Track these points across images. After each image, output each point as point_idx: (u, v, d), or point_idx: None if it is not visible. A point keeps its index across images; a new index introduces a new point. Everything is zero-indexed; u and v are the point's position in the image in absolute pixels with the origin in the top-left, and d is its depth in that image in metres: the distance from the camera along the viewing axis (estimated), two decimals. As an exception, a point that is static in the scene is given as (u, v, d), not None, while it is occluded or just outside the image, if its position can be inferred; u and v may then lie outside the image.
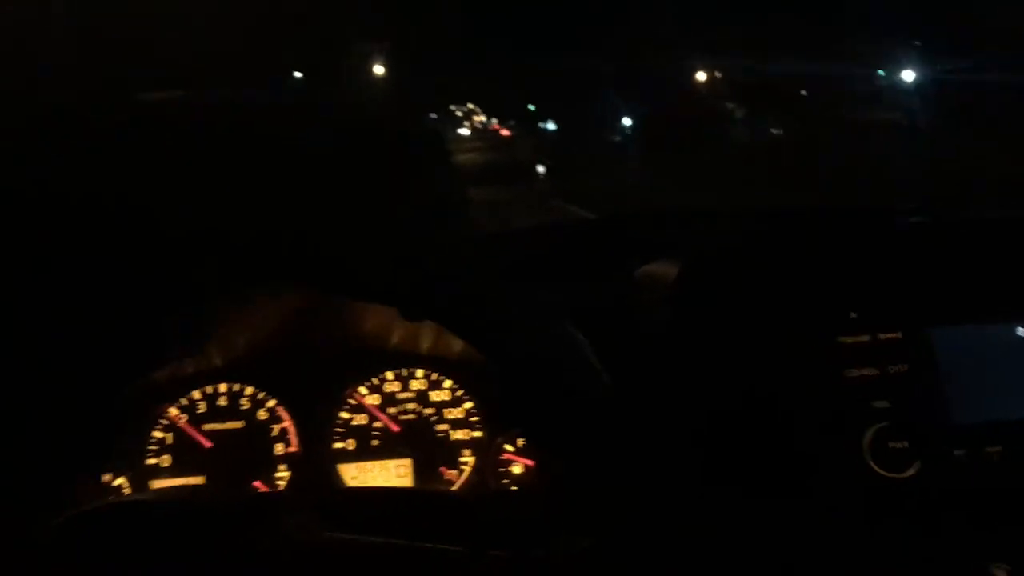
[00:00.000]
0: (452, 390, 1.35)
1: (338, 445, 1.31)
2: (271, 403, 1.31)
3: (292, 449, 1.30)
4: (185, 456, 1.28)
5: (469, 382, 1.34)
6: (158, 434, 1.28)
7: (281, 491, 1.28)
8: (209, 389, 1.30)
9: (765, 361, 0.90)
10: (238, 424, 1.30)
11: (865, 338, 0.90)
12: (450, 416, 1.34)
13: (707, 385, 0.89)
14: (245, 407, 1.30)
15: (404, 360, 1.34)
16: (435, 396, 1.34)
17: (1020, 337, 0.91)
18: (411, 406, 1.34)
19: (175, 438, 1.28)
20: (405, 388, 1.35)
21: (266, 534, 0.71)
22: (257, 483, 1.29)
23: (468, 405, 1.34)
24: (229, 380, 1.31)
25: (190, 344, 1.05)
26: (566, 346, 0.80)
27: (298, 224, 0.82)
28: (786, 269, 0.98)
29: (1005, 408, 0.87)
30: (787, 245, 1.03)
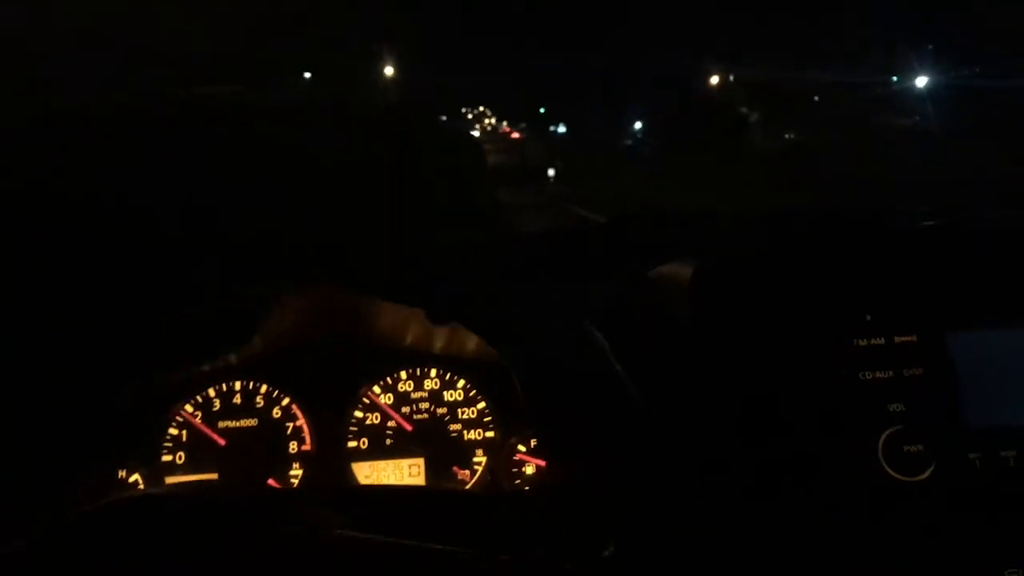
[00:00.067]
0: (465, 390, 1.35)
1: (352, 443, 1.32)
2: (285, 401, 1.32)
3: (306, 447, 1.31)
4: (199, 453, 1.29)
5: (482, 382, 1.34)
6: (173, 431, 1.28)
7: (295, 488, 1.29)
8: (224, 386, 1.31)
9: (780, 363, 0.90)
10: (252, 422, 1.31)
11: (880, 341, 0.89)
12: (463, 416, 1.34)
13: (722, 386, 0.89)
14: (260, 405, 1.31)
15: (418, 359, 1.35)
16: (448, 396, 1.35)
17: (1036, 341, 0.90)
18: (424, 405, 1.34)
19: (189, 435, 1.29)
20: (419, 387, 1.35)
21: (278, 531, 0.71)
22: (271, 480, 1.30)
23: (481, 405, 1.34)
24: (244, 377, 1.31)
25: (239, 339, 1.06)
26: (586, 349, 0.81)
27: (333, 225, 0.83)
28: (801, 271, 0.98)
29: (1021, 412, 0.87)
30: (802, 247, 1.02)
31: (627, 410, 0.78)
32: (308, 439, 1.31)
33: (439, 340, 1.30)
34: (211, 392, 1.30)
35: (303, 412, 1.31)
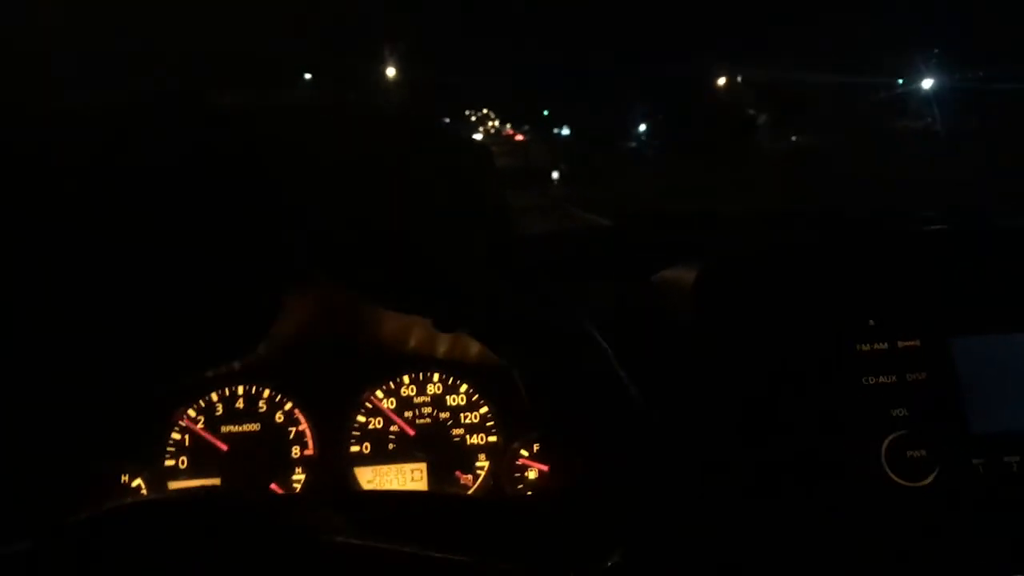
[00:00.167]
0: (468, 394, 1.35)
1: (354, 448, 1.32)
2: (288, 405, 1.31)
3: (308, 452, 1.31)
4: (202, 457, 1.28)
5: (485, 386, 1.34)
6: (176, 435, 1.29)
7: (297, 493, 1.29)
8: (226, 391, 1.31)
9: (782, 368, 0.89)
10: (255, 426, 1.31)
11: (883, 346, 0.89)
12: (466, 420, 1.34)
13: (724, 391, 0.89)
14: (262, 409, 1.31)
15: (421, 364, 1.35)
16: (451, 400, 1.35)
17: (1040, 346, 0.90)
18: (427, 410, 1.34)
19: (192, 440, 1.29)
20: (421, 392, 1.35)
21: (280, 537, 0.71)
22: (273, 485, 1.30)
23: (484, 409, 1.34)
24: (246, 382, 1.31)
25: (246, 344, 1.06)
26: (589, 351, 0.80)
27: (343, 230, 0.83)
28: (804, 275, 0.97)
29: (1024, 417, 0.87)
30: (805, 251, 1.02)
31: (629, 413, 0.78)
32: (311, 444, 1.31)
33: (442, 345, 1.30)
34: (214, 397, 1.30)
35: (306, 416, 1.31)
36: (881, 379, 0.88)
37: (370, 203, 0.83)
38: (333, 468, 1.30)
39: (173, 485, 1.27)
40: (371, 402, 1.33)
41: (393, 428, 1.33)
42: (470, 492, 1.31)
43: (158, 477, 1.27)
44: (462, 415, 1.34)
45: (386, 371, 1.35)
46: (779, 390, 0.89)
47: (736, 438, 0.87)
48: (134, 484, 1.26)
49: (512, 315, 0.81)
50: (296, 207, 0.82)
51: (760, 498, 0.85)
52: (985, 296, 0.93)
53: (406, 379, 1.35)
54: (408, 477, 1.32)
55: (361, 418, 1.33)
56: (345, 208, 0.83)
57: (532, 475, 1.31)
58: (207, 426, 1.30)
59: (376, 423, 1.33)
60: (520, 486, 1.31)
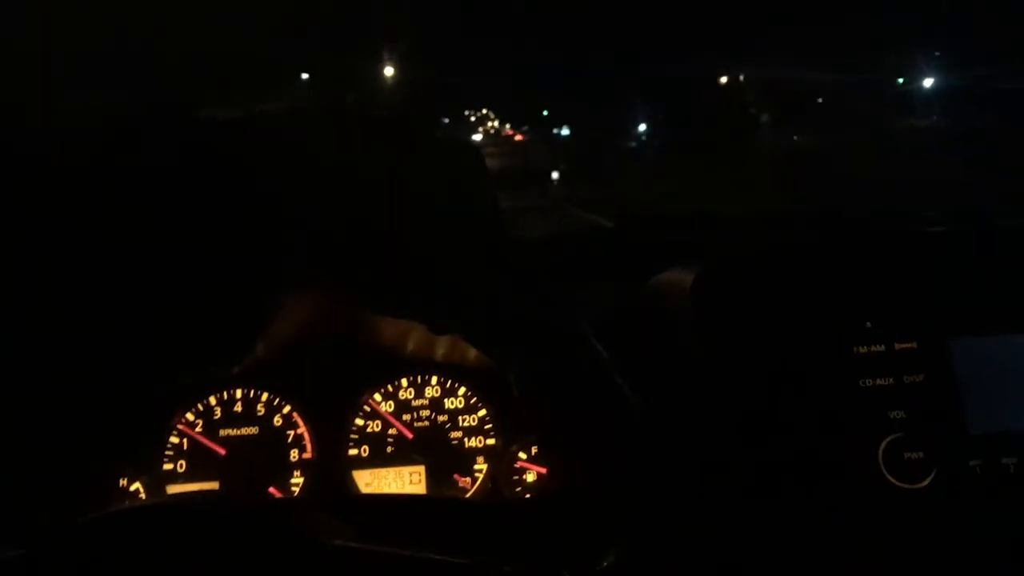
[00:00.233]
0: (466, 397, 1.35)
1: (353, 451, 1.32)
2: (286, 409, 1.32)
3: (307, 455, 1.31)
4: (200, 461, 1.28)
5: (483, 389, 1.34)
6: (174, 439, 1.29)
7: (296, 497, 1.29)
8: (225, 394, 1.31)
9: (780, 370, 0.89)
10: (253, 430, 1.31)
11: (880, 348, 0.89)
12: (464, 423, 1.34)
13: (722, 393, 0.89)
14: (260, 413, 1.31)
15: (419, 367, 1.35)
16: (449, 403, 1.35)
17: (1037, 347, 0.90)
18: (425, 413, 1.34)
19: (190, 443, 1.29)
20: (419, 395, 1.35)
21: (279, 541, 0.71)
22: (272, 488, 1.30)
23: (482, 412, 1.34)
24: (245, 385, 1.31)
25: (245, 345, 1.06)
26: (585, 353, 0.80)
27: (335, 233, 0.83)
28: (801, 277, 0.97)
29: (1022, 419, 0.87)
30: (803, 252, 1.02)
31: (625, 414, 0.78)
32: (309, 447, 1.31)
33: (440, 347, 1.30)
34: (212, 400, 1.30)
35: (304, 420, 1.31)
36: (878, 381, 0.88)
37: (366, 205, 0.83)
38: (331, 471, 1.30)
39: (171, 489, 1.27)
40: (369, 405, 1.33)
41: (391, 431, 1.33)
42: (468, 495, 1.31)
43: (156, 481, 1.27)
44: (460, 418, 1.34)
45: (384, 374, 1.35)
46: (777, 391, 0.89)
47: (734, 439, 0.87)
48: (132, 488, 1.26)
49: (504, 317, 0.81)
50: (295, 209, 0.82)
51: (758, 499, 0.85)
52: (983, 297, 0.93)
53: (404, 382, 1.35)
54: (406, 480, 1.32)
55: (359, 421, 1.33)
56: (342, 210, 0.83)
57: (531, 478, 1.31)
58: (205, 430, 1.30)
59: (374, 426, 1.33)
60: (518, 489, 1.31)
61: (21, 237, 0.83)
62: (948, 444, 0.85)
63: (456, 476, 1.32)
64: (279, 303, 1.01)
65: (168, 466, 1.28)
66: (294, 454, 1.31)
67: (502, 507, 1.21)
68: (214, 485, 1.28)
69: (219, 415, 1.30)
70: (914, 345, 0.89)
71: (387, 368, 1.35)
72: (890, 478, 0.83)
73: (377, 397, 1.34)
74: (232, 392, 1.31)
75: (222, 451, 1.29)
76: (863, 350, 0.89)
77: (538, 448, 1.30)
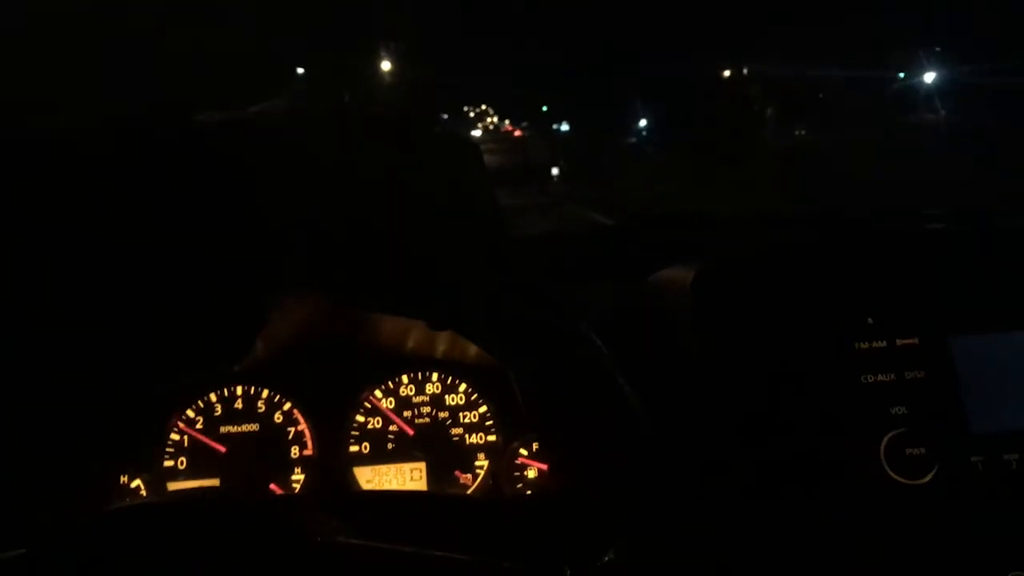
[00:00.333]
0: (467, 394, 1.35)
1: (353, 448, 1.32)
2: (287, 406, 1.31)
3: (307, 452, 1.31)
4: (201, 458, 1.29)
5: (484, 386, 1.34)
6: (174, 436, 1.29)
7: (296, 494, 1.29)
8: (225, 392, 1.31)
9: (781, 366, 0.89)
10: (254, 427, 1.31)
11: (882, 344, 0.89)
12: (465, 420, 1.34)
13: (723, 390, 0.89)
14: (261, 410, 1.31)
15: (420, 363, 1.34)
16: (450, 400, 1.35)
17: (1039, 344, 0.90)
18: (426, 409, 1.34)
19: (191, 440, 1.29)
20: (420, 391, 1.35)
21: (279, 538, 0.71)
22: (273, 485, 1.30)
23: (483, 409, 1.34)
24: (245, 382, 1.31)
25: (245, 345, 1.06)
26: (585, 351, 0.80)
27: (335, 233, 0.83)
28: (803, 275, 0.97)
29: (1023, 415, 0.87)
30: (804, 250, 1.02)
31: (624, 412, 0.78)
32: (310, 444, 1.31)
33: (441, 344, 1.30)
34: (212, 397, 1.30)
35: (304, 417, 1.31)
36: (880, 377, 0.88)
37: (366, 204, 0.83)
38: (332, 468, 1.30)
39: (172, 486, 1.27)
40: (370, 402, 1.33)
41: (392, 428, 1.33)
42: (469, 491, 1.31)
43: (157, 478, 1.27)
44: (461, 414, 1.34)
45: (385, 371, 1.35)
46: (778, 389, 0.89)
47: (735, 437, 0.87)
48: (133, 485, 1.26)
49: (504, 315, 0.81)
50: (295, 209, 0.82)
51: (759, 497, 0.85)
52: (984, 295, 0.93)
53: (405, 379, 1.35)
54: (407, 477, 1.32)
55: (360, 418, 1.33)
56: (342, 209, 0.83)
57: (531, 474, 1.31)
58: (206, 427, 1.30)
59: (375, 423, 1.33)
60: (519, 485, 1.31)
61: (21, 237, 0.83)
62: (950, 440, 0.85)
63: (457, 473, 1.32)
64: (279, 303, 1.01)
65: (169, 463, 1.28)
66: (295, 451, 1.31)
67: (503, 504, 1.21)
68: (215, 482, 1.28)
69: (220, 412, 1.30)
70: (915, 341, 0.89)
71: (388, 365, 1.34)
72: (892, 474, 0.83)
73: (378, 394, 1.34)
74: (232, 389, 1.31)
75: (223, 448, 1.29)
76: (864, 346, 0.89)
77: (539, 445, 1.30)
